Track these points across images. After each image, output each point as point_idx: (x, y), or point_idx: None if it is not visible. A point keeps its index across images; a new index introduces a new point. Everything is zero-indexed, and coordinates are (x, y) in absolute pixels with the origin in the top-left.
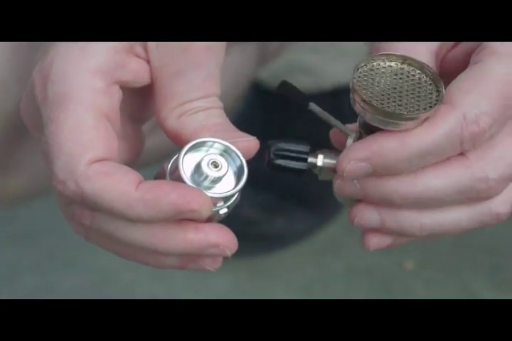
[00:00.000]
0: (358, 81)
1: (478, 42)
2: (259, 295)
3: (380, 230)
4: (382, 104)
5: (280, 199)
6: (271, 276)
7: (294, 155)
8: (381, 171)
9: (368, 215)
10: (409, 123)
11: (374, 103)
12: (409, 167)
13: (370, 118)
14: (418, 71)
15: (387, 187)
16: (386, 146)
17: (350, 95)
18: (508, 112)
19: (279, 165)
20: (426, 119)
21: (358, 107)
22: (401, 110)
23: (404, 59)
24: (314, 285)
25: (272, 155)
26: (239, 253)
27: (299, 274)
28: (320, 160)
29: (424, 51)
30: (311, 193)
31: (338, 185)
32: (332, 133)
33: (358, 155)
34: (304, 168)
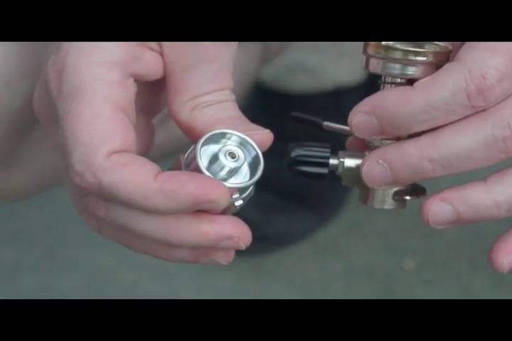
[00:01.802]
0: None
1: None
2: (260, 294)
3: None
4: None
5: (280, 199)
6: (271, 276)
7: (314, 160)
8: (388, 128)
9: (440, 209)
10: (419, 69)
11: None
12: (416, 123)
13: (382, 66)
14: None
15: (410, 154)
16: (388, 99)
17: (363, 55)
18: None
19: (300, 171)
20: (434, 68)
21: (371, 61)
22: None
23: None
24: (314, 285)
25: (292, 161)
26: (239, 253)
27: (299, 274)
28: (341, 163)
29: None
30: (312, 193)
31: (366, 170)
32: (348, 142)
33: (362, 107)
34: (326, 172)
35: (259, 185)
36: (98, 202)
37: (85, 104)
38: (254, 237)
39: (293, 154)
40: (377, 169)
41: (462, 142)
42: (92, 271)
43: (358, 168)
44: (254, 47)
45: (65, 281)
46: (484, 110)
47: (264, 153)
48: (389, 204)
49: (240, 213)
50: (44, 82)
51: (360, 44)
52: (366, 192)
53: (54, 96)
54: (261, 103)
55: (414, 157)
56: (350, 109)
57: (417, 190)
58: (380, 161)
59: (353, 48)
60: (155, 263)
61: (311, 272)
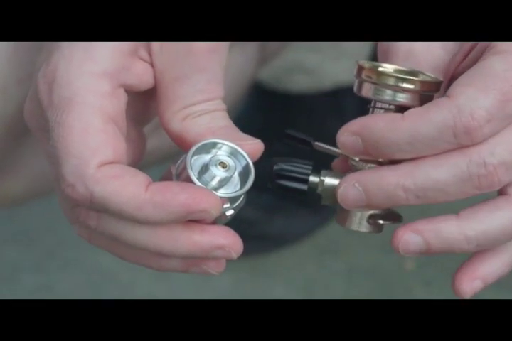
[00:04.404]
0: (363, 62)
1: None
2: (260, 295)
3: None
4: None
5: (280, 200)
6: (271, 276)
7: (295, 175)
8: (371, 150)
9: (410, 240)
10: (410, 96)
11: (377, 69)
12: (399, 152)
13: (373, 91)
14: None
15: (387, 181)
16: (376, 123)
17: (356, 78)
18: (507, 109)
19: (281, 185)
20: (423, 97)
21: (364, 85)
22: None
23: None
24: (314, 285)
25: (273, 175)
26: None
27: (299, 274)
28: (321, 181)
29: (424, 50)
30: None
31: (341, 192)
32: (334, 164)
33: (351, 127)
34: (304, 188)
35: (258, 185)
36: (89, 212)
37: (76, 115)
38: (254, 237)
39: (275, 167)
40: (352, 192)
41: (439, 175)
42: (91, 271)
43: (336, 188)
44: (250, 48)
45: (64, 281)
46: (466, 147)
47: (263, 154)
48: (364, 227)
49: (239, 213)
50: (35, 93)
51: (358, 44)
52: (344, 213)
53: (45, 107)
54: (260, 103)
55: (390, 184)
56: (350, 109)
57: (393, 215)
58: (356, 184)
59: (351, 48)
60: None
61: (311, 272)
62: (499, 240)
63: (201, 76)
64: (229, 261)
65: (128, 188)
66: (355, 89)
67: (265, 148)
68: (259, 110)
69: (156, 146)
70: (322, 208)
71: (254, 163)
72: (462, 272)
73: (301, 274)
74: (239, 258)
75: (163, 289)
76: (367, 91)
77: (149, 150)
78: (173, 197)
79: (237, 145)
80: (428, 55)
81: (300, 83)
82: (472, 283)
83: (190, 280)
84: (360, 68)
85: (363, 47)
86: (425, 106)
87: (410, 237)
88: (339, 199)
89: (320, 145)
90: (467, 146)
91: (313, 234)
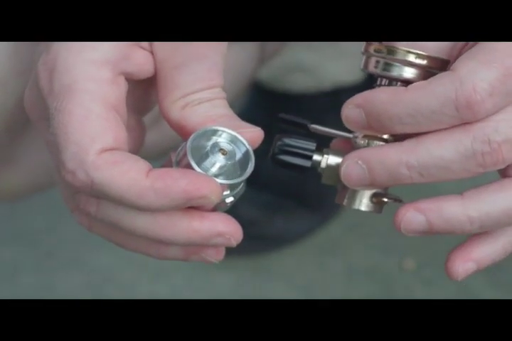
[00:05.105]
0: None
1: None
2: (260, 295)
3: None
4: None
5: (280, 199)
6: (271, 276)
7: (299, 151)
8: (374, 124)
9: (413, 219)
10: (417, 72)
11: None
12: (400, 125)
13: (381, 66)
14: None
15: (390, 158)
16: (378, 96)
17: (363, 55)
18: (509, 83)
19: (283, 161)
20: (429, 75)
21: (371, 60)
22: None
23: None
24: (314, 285)
25: (276, 150)
26: (238, 253)
27: (299, 274)
28: (325, 158)
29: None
30: (312, 193)
31: (344, 170)
32: (332, 144)
33: (355, 100)
34: (308, 165)
35: (258, 184)
36: (90, 199)
37: (76, 102)
38: (254, 237)
39: (279, 143)
40: (355, 169)
41: (442, 152)
42: (91, 270)
43: (338, 166)
44: (250, 46)
45: (64, 281)
46: (469, 122)
47: (262, 153)
48: (366, 205)
49: (239, 213)
50: (35, 81)
51: (358, 44)
52: (344, 191)
53: (45, 95)
54: (259, 103)
55: (393, 161)
56: None
57: (393, 195)
58: (360, 162)
59: (351, 48)
60: (155, 263)
61: (311, 272)
62: (502, 222)
63: (201, 64)
64: (229, 260)
65: (128, 174)
66: (362, 65)
67: (265, 149)
68: (259, 110)
69: (155, 141)
70: (322, 207)
71: (254, 151)
72: (456, 254)
73: (301, 274)
74: (239, 257)
75: (164, 289)
76: (374, 66)
77: (148, 145)
78: (173, 183)
79: (237, 132)
80: (431, 42)
81: (299, 83)
82: (465, 265)
83: (191, 280)
84: (369, 44)
85: (362, 47)
86: (429, 79)
87: (413, 216)
88: (342, 178)
89: (316, 127)
90: (470, 123)
91: (313, 234)
